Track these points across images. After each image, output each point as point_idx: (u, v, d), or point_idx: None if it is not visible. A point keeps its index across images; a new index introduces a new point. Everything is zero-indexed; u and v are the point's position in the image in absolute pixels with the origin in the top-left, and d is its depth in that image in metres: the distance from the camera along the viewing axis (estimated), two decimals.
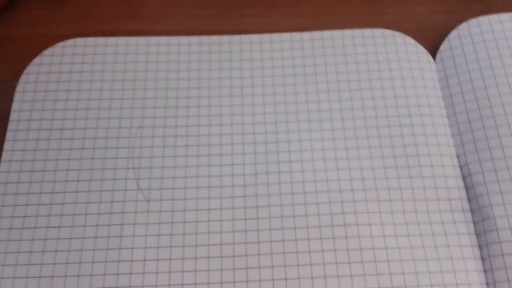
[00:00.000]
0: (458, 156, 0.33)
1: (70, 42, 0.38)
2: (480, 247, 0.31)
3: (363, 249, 0.30)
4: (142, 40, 0.38)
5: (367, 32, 0.37)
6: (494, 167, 0.32)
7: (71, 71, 0.36)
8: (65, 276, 0.29)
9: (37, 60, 0.37)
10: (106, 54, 0.37)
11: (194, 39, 0.37)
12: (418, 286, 0.29)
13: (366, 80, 0.35)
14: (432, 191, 0.32)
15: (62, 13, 0.40)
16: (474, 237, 0.31)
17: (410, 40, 0.37)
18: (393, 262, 0.29)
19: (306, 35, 0.37)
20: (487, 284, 0.30)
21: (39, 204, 0.32)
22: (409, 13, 0.41)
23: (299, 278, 0.29)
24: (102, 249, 0.30)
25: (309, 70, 0.36)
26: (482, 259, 0.30)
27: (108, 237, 0.30)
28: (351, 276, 0.29)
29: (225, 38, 0.37)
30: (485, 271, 0.30)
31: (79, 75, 0.36)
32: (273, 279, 0.29)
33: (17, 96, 0.36)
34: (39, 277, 0.29)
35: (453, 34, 0.38)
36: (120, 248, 0.30)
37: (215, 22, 0.39)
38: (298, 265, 0.29)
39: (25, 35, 0.40)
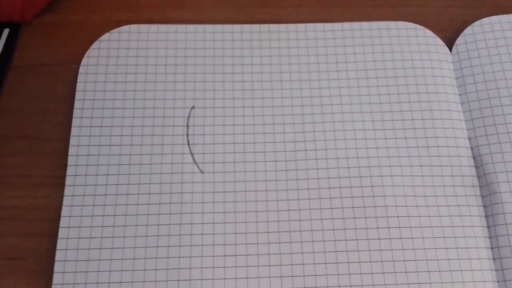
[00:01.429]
0: (469, 139, 0.38)
1: (125, 28, 0.41)
2: (486, 217, 0.35)
3: (389, 217, 0.34)
4: (190, 28, 0.41)
5: (391, 24, 0.41)
6: (501, 149, 0.37)
7: (128, 55, 0.40)
8: (135, 236, 0.34)
9: (95, 44, 0.41)
10: (158, 40, 0.41)
11: (237, 27, 0.41)
12: (435, 248, 0.34)
13: (390, 68, 0.39)
14: (447, 168, 0.36)
15: (114, 1, 0.43)
16: (482, 208, 0.36)
17: (429, 33, 0.41)
18: (414, 228, 0.34)
19: (328, 26, 0.41)
20: (492, 248, 0.35)
21: (107, 175, 0.36)
22: (428, 6, 0.44)
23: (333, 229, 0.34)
24: (166, 213, 0.34)
25: (340, 59, 0.40)
26: (488, 227, 0.35)
27: (170, 203, 0.35)
28: (379, 239, 0.34)
29: (264, 27, 0.41)
30: (490, 237, 0.35)
31: (135, 59, 0.40)
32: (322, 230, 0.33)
33: (80, 77, 0.39)
34: (112, 237, 0.34)
35: (468, 30, 0.42)
36: (181, 213, 0.35)
37: (255, 12, 0.43)
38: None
39: (80, 21, 0.43)
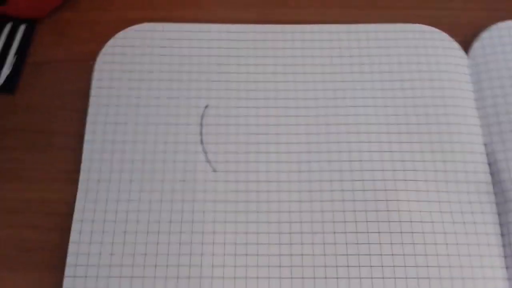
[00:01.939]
0: (485, 145, 0.37)
1: (140, 26, 0.41)
2: (501, 225, 0.35)
3: (402, 221, 0.34)
4: (204, 27, 0.41)
5: (408, 27, 0.40)
6: None
7: (143, 53, 0.40)
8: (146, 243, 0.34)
9: (111, 42, 0.41)
10: (172, 39, 0.40)
11: (251, 27, 0.41)
12: (448, 255, 0.33)
13: (406, 71, 0.39)
14: (462, 174, 0.36)
15: (129, 0, 0.43)
16: (496, 216, 0.35)
17: (445, 36, 0.40)
18: (427, 234, 0.34)
19: (350, 27, 0.40)
20: (505, 257, 0.34)
21: (121, 171, 0.36)
22: (445, 9, 0.44)
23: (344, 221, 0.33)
24: (178, 211, 0.34)
25: (355, 60, 0.39)
26: (502, 235, 0.34)
27: (183, 200, 0.35)
28: (391, 243, 0.33)
29: (278, 27, 0.41)
30: (503, 246, 0.34)
31: (150, 57, 0.40)
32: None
33: (96, 74, 0.39)
34: (125, 232, 0.34)
35: (485, 34, 0.41)
36: (193, 211, 0.34)
37: (270, 11, 0.42)
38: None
39: (95, 19, 0.43)
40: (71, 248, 0.33)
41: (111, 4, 0.43)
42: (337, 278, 0.32)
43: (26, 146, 0.38)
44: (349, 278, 0.32)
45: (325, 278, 0.32)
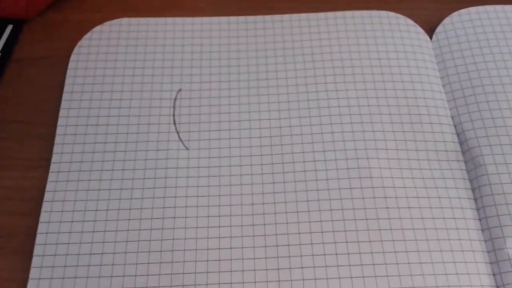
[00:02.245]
0: (452, 117, 0.38)
1: (116, 21, 0.42)
2: (473, 189, 0.35)
3: (374, 187, 0.34)
4: (178, 20, 0.42)
5: (374, 13, 0.42)
6: (484, 125, 0.37)
7: (118, 45, 0.41)
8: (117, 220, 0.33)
9: (87, 35, 0.41)
10: (148, 31, 0.41)
11: (224, 19, 0.42)
12: (422, 218, 0.33)
13: (374, 52, 0.40)
14: (431, 144, 0.36)
15: (116, 3, 0.44)
16: (468, 182, 0.35)
17: (410, 22, 0.42)
18: (401, 199, 0.33)
19: (319, 15, 0.42)
20: (480, 219, 0.34)
21: (93, 151, 0.36)
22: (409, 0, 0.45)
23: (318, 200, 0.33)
24: (150, 188, 0.34)
25: (324, 49, 0.40)
26: (475, 199, 0.34)
27: (155, 178, 0.34)
28: (364, 209, 0.33)
29: (250, 18, 0.42)
30: (477, 209, 0.34)
31: (125, 48, 0.40)
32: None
33: (71, 64, 0.40)
34: (96, 210, 0.33)
35: (447, 20, 0.43)
36: (165, 187, 0.34)
37: (248, 14, 0.44)
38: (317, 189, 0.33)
39: (81, 19, 0.44)
40: (40, 228, 0.33)
41: (99, 7, 0.44)
42: (311, 243, 0.32)
43: (5, 136, 0.38)
44: (323, 243, 0.32)
45: (300, 245, 0.32)
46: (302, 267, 0.31)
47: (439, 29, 0.42)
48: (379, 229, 0.32)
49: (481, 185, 0.34)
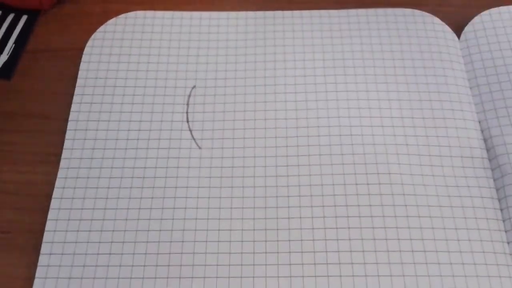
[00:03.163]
0: (480, 122, 0.35)
1: (131, 14, 0.40)
2: (499, 199, 0.32)
3: (394, 195, 0.31)
4: (195, 14, 0.40)
5: (399, 11, 0.39)
6: None
7: (132, 39, 0.39)
8: (128, 208, 0.32)
9: (101, 28, 0.40)
10: (163, 25, 0.39)
11: (242, 14, 0.40)
12: (444, 228, 0.31)
13: (398, 52, 0.37)
14: (456, 149, 0.33)
15: None
16: (494, 191, 0.32)
17: (437, 20, 0.39)
18: (422, 207, 0.31)
19: (341, 12, 0.39)
20: (506, 231, 0.31)
21: (104, 149, 0.34)
22: None
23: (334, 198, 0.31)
24: (160, 187, 0.32)
25: (346, 42, 0.38)
26: (501, 209, 0.32)
27: (166, 177, 0.33)
28: (383, 216, 0.31)
29: (269, 13, 0.40)
30: (503, 220, 0.31)
31: (139, 42, 0.39)
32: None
33: (84, 58, 0.38)
34: (104, 208, 0.32)
35: (476, 19, 0.40)
36: (176, 187, 0.32)
37: (266, 8, 0.41)
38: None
39: (97, 11, 0.42)
40: (49, 225, 0.31)
41: None
42: (326, 251, 0.30)
43: (17, 129, 0.37)
44: (338, 251, 0.30)
45: (313, 252, 0.30)
46: (315, 276, 0.29)
47: (468, 28, 0.39)
48: (398, 239, 0.30)
49: (508, 195, 0.32)
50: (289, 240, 0.30)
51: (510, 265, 0.30)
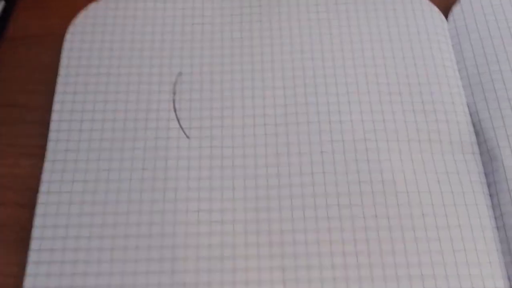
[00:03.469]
0: (468, 105, 0.35)
1: None
2: (488, 184, 0.32)
3: (384, 181, 0.31)
4: None
5: None
6: (502, 114, 0.34)
7: (115, 23, 0.37)
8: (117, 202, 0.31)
9: (83, 13, 0.38)
10: (146, 9, 0.38)
11: None
12: (434, 215, 0.31)
13: (385, 33, 0.36)
14: (445, 134, 0.33)
15: None
16: (483, 175, 0.32)
17: (424, 0, 0.38)
18: (412, 193, 0.31)
19: None
20: (495, 217, 0.31)
21: (90, 140, 0.33)
22: None
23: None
24: (149, 179, 0.32)
25: (334, 30, 0.37)
26: (490, 195, 0.32)
27: (154, 169, 0.32)
28: (374, 205, 0.31)
29: None
30: (493, 206, 0.32)
31: (122, 27, 0.37)
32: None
33: (66, 45, 0.37)
34: (93, 202, 0.31)
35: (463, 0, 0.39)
36: (165, 179, 0.32)
37: None
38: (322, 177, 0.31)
39: None
40: (37, 220, 0.30)
41: None
42: (318, 243, 0.30)
43: None
44: (330, 241, 0.30)
45: (306, 244, 0.30)
46: (308, 267, 0.29)
47: (456, 8, 0.39)
48: (389, 228, 0.30)
49: (497, 180, 0.32)
50: (281, 231, 0.30)
51: (498, 254, 0.30)
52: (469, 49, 0.37)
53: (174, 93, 0.35)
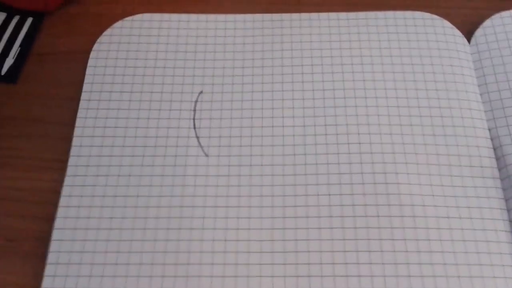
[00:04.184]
0: (489, 130, 0.34)
1: (137, 16, 0.40)
2: (508, 210, 0.31)
3: (402, 205, 0.31)
4: (201, 17, 0.39)
5: (408, 14, 0.38)
6: None
7: (139, 42, 0.38)
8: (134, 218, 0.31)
9: (108, 31, 0.39)
10: (170, 28, 0.39)
11: (249, 17, 0.39)
12: (452, 240, 0.30)
13: (407, 56, 0.36)
14: (465, 158, 0.33)
15: None
16: (503, 201, 0.32)
17: (447, 24, 0.38)
18: (430, 218, 0.31)
19: (350, 15, 0.38)
20: None
21: (111, 156, 0.33)
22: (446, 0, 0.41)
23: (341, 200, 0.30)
24: (167, 196, 0.32)
25: (355, 46, 0.37)
26: (510, 221, 0.31)
27: (173, 186, 0.32)
28: (391, 228, 0.30)
29: (276, 16, 0.39)
30: None
31: (146, 46, 0.38)
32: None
33: (90, 62, 0.38)
34: (111, 218, 0.31)
35: (487, 23, 0.39)
36: (182, 196, 0.32)
37: (273, 9, 0.40)
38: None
39: (102, 13, 0.41)
40: (55, 234, 0.31)
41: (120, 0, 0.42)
42: (333, 264, 0.29)
43: (22, 134, 0.36)
44: (346, 263, 0.29)
45: (320, 264, 0.29)
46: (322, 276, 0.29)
47: (479, 32, 0.38)
48: (406, 251, 0.30)
49: None
50: (296, 251, 0.30)
51: None
52: (492, 73, 0.36)
53: (195, 111, 0.35)
